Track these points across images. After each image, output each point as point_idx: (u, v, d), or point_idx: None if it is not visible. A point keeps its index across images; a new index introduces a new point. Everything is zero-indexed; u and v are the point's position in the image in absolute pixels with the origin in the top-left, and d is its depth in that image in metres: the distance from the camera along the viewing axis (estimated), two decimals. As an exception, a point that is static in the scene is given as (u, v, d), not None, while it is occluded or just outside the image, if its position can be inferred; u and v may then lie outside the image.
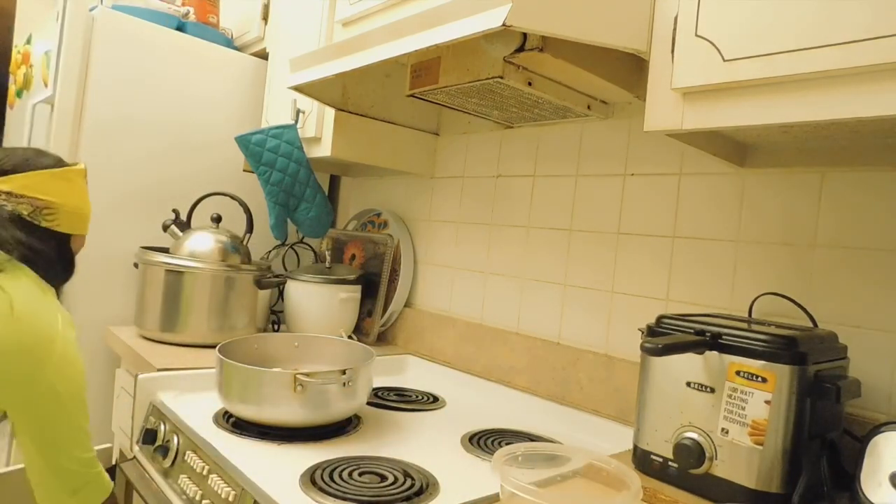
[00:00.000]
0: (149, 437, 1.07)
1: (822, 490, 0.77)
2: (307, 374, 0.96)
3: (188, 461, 0.96)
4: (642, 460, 0.89)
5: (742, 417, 0.77)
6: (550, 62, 1.02)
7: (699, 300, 1.10)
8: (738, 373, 0.78)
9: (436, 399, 1.30)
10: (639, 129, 1.23)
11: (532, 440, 1.07)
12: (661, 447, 0.86)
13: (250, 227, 1.63)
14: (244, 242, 1.59)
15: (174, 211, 1.63)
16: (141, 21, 1.70)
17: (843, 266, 0.94)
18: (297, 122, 1.57)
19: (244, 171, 1.76)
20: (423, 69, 1.18)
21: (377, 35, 1.03)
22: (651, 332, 0.90)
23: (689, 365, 0.83)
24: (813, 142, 0.94)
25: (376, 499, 0.77)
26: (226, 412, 1.07)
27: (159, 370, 1.21)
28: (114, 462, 1.44)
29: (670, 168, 1.17)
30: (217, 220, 1.58)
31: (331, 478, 0.82)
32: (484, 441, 1.04)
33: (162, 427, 1.07)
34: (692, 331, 0.84)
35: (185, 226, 1.61)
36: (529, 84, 1.09)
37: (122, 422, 1.47)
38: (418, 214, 1.76)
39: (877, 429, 0.73)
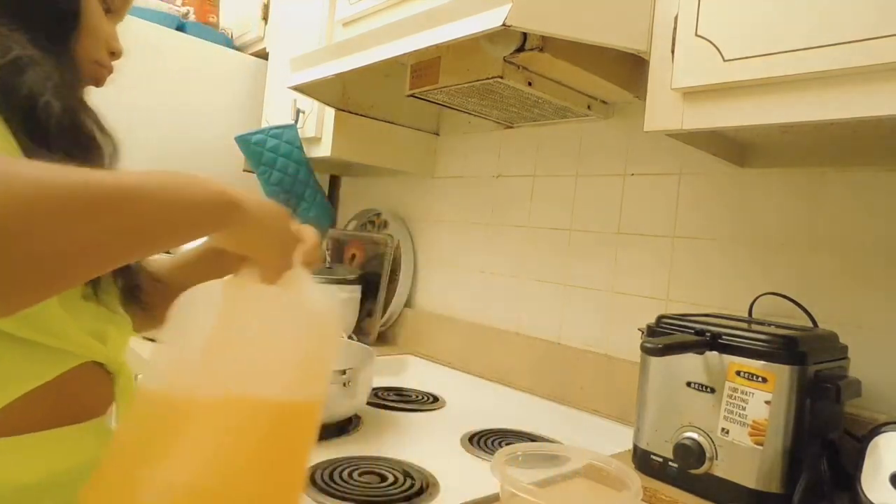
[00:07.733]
0: (149, 437, 1.07)
1: (822, 490, 0.77)
2: (307, 374, 0.96)
3: (188, 461, 0.96)
4: (642, 460, 0.89)
5: (742, 417, 0.77)
6: (550, 62, 1.02)
7: (699, 300, 1.10)
8: (738, 373, 0.78)
9: (436, 399, 1.30)
10: (639, 129, 1.22)
11: (532, 440, 1.07)
12: (661, 447, 0.86)
13: (250, 228, 1.62)
14: (244, 242, 1.59)
15: (174, 211, 1.62)
16: (141, 21, 1.69)
17: (843, 266, 0.94)
18: (297, 121, 1.57)
19: (244, 171, 1.76)
20: (423, 69, 1.18)
21: (377, 35, 1.03)
22: (651, 332, 0.90)
23: (689, 365, 0.83)
24: (813, 142, 0.94)
25: (376, 499, 0.77)
26: (226, 412, 1.07)
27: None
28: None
29: (670, 168, 1.17)
30: (217, 220, 1.58)
31: (331, 478, 0.82)
32: (484, 441, 1.04)
33: (162, 427, 1.06)
34: (692, 331, 0.83)
35: (185, 226, 1.61)
36: (529, 84, 1.09)
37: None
38: (418, 214, 1.76)
39: (877, 429, 0.73)
